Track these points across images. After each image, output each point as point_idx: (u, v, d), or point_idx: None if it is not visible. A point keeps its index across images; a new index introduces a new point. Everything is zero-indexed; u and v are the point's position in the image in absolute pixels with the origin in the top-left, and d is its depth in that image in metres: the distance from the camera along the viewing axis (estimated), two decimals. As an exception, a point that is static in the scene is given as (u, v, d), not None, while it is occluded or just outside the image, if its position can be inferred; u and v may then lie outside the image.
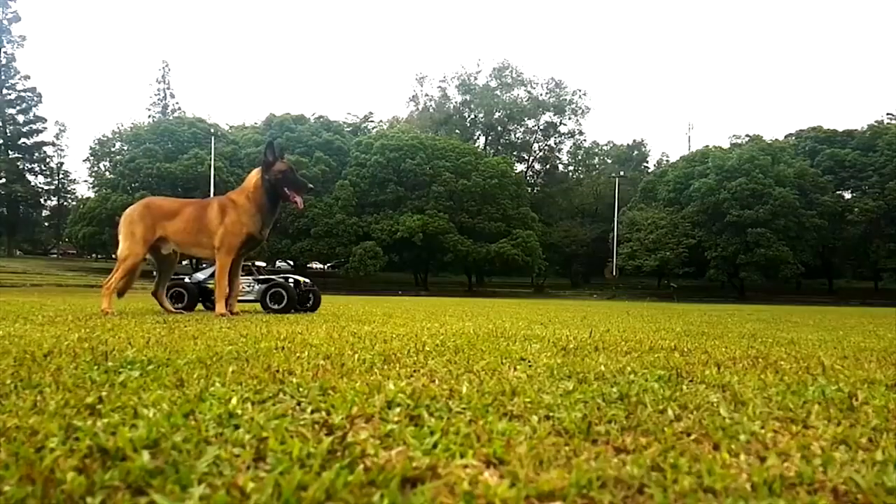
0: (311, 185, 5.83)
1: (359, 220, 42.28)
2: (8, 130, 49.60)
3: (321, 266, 48.12)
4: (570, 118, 60.28)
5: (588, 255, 50.63)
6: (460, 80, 60.11)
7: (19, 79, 49.86)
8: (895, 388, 1.95)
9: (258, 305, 6.47)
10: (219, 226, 5.50)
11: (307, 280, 6.53)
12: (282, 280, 6.28)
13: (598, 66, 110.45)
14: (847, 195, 44.54)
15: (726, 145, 49.14)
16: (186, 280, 6.46)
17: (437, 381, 1.81)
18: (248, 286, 6.27)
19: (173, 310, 5.79)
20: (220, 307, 5.39)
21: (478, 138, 61.47)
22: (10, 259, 42.12)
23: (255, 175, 5.65)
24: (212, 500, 0.85)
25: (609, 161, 62.98)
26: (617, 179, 49.39)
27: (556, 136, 61.26)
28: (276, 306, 6.03)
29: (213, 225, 5.53)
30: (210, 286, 6.10)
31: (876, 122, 46.32)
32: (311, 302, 6.52)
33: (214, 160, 38.00)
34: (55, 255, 57.38)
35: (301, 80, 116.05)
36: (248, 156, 43.25)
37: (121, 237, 5.66)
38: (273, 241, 41.75)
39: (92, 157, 50.84)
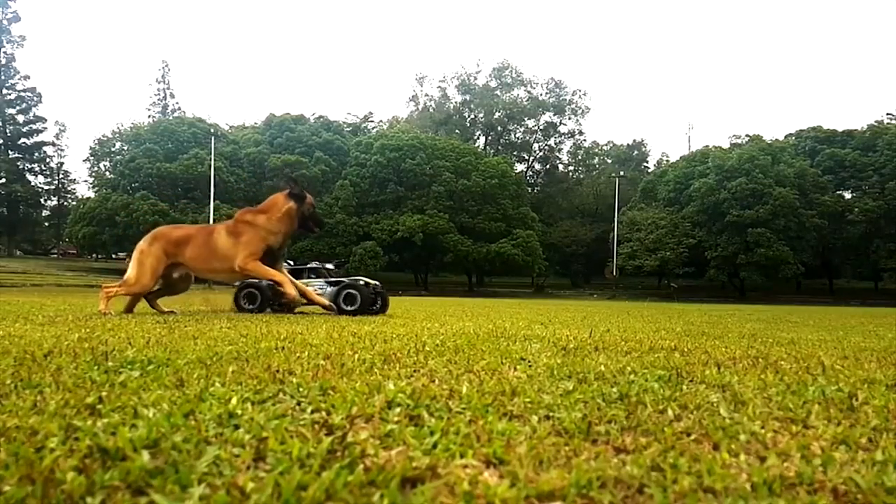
0: (321, 224, 6.32)
1: (359, 220, 42.28)
2: (8, 130, 49.61)
3: (319, 265, 48.06)
4: (570, 118, 60.36)
5: (588, 255, 50.64)
6: (460, 80, 60.16)
7: (19, 79, 49.90)
8: (895, 388, 1.95)
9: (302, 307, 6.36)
10: (232, 248, 5.58)
11: (376, 283, 6.40)
12: (354, 282, 6.21)
13: (598, 66, 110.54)
14: (847, 195, 44.54)
15: (726, 145, 49.18)
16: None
17: (437, 381, 1.81)
18: (320, 288, 6.17)
19: (164, 311, 5.76)
20: (290, 290, 5.48)
21: (478, 138, 61.49)
22: (10, 259, 42.12)
23: (282, 201, 5.80)
24: (212, 500, 0.85)
25: (609, 161, 62.98)
26: (617, 179, 49.39)
27: (556, 136, 61.32)
28: (349, 308, 5.97)
29: (224, 249, 5.61)
30: (280, 288, 6.11)
31: (876, 122, 46.34)
32: (378, 304, 6.40)
33: (214, 160, 38.01)
34: (55, 255, 57.38)
35: (301, 80, 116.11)
36: (248, 156, 43.29)
37: (132, 262, 5.76)
38: (273, 241, 41.65)
39: (92, 157, 50.88)
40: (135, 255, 5.78)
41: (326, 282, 6.28)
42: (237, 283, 6.21)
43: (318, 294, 5.98)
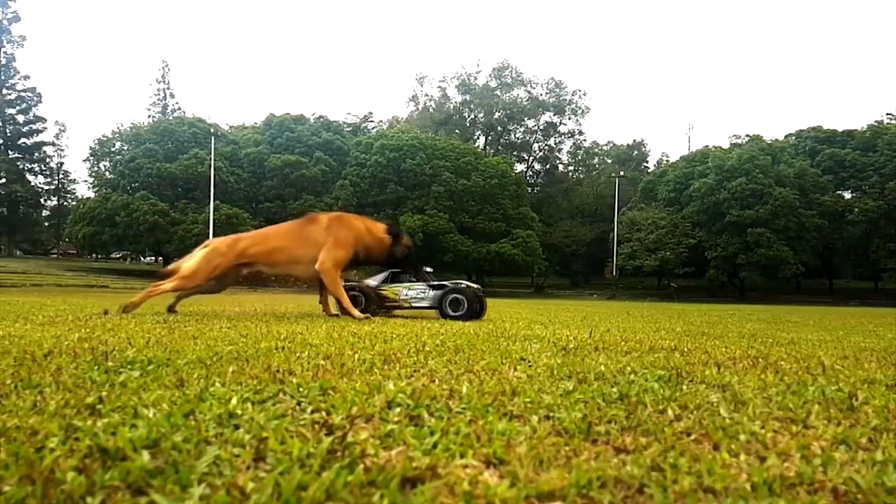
0: (416, 269, 6.32)
1: (359, 221, 42.22)
2: (8, 130, 49.60)
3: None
4: (570, 118, 60.32)
5: (588, 255, 50.62)
6: (460, 80, 60.12)
7: (19, 79, 49.88)
8: (895, 388, 1.95)
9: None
10: (323, 241, 5.61)
11: (477, 286, 6.23)
12: (459, 285, 6.07)
13: (598, 66, 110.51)
14: (847, 195, 44.53)
15: (726, 145, 49.15)
16: (370, 282, 6.27)
17: (437, 381, 1.81)
18: (422, 292, 6.07)
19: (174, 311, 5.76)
20: (356, 314, 5.49)
21: (478, 138, 61.47)
22: (10, 259, 42.10)
23: (382, 232, 5.87)
24: (212, 500, 0.85)
25: (609, 161, 62.95)
26: (617, 179, 49.36)
27: (556, 136, 61.29)
28: (455, 312, 5.85)
29: (316, 238, 5.64)
30: (383, 291, 6.08)
31: (876, 122, 46.32)
32: (478, 307, 6.21)
33: (214, 160, 37.99)
34: (55, 255, 57.38)
35: (301, 80, 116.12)
36: (248, 156, 43.27)
37: (196, 257, 5.68)
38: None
39: (92, 157, 50.84)
40: (205, 253, 5.70)
41: (428, 285, 6.13)
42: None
43: (420, 298, 5.99)
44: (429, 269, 6.46)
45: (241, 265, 5.75)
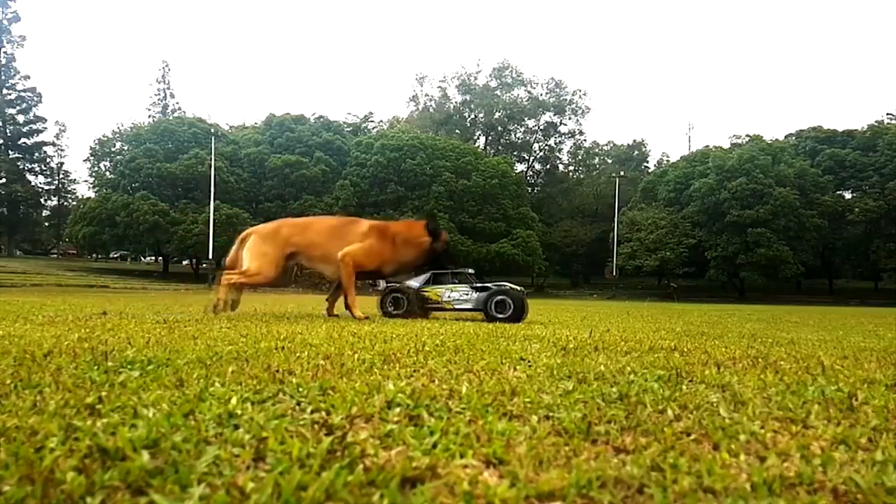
0: (456, 262, 6.29)
1: (359, 221, 42.23)
2: (8, 130, 49.61)
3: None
4: (570, 118, 60.29)
5: (588, 255, 50.62)
6: (460, 80, 60.11)
7: (19, 79, 49.90)
8: (895, 388, 1.95)
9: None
10: (357, 241, 5.61)
11: (521, 288, 6.11)
12: (503, 287, 5.97)
13: (598, 66, 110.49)
14: (847, 195, 44.53)
15: (726, 145, 49.14)
16: (412, 283, 6.14)
17: (437, 381, 1.81)
18: (465, 294, 5.97)
19: (226, 309, 5.64)
20: (357, 312, 5.49)
21: (478, 138, 61.47)
22: (10, 259, 42.11)
23: (420, 230, 5.85)
24: (212, 500, 0.85)
25: (609, 161, 62.94)
26: (617, 179, 49.35)
27: (557, 136, 61.26)
28: (501, 315, 5.73)
29: (355, 240, 5.64)
30: (425, 293, 5.99)
31: (876, 122, 46.30)
32: (522, 309, 6.07)
33: (214, 160, 37.99)
34: (55, 255, 57.39)
35: (301, 80, 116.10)
36: (248, 156, 43.27)
37: (249, 255, 5.65)
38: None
39: (92, 157, 50.82)
40: (254, 246, 5.68)
41: (472, 287, 6.02)
42: (380, 287, 6.06)
43: (463, 300, 5.91)
44: (470, 271, 6.34)
45: (291, 254, 5.73)
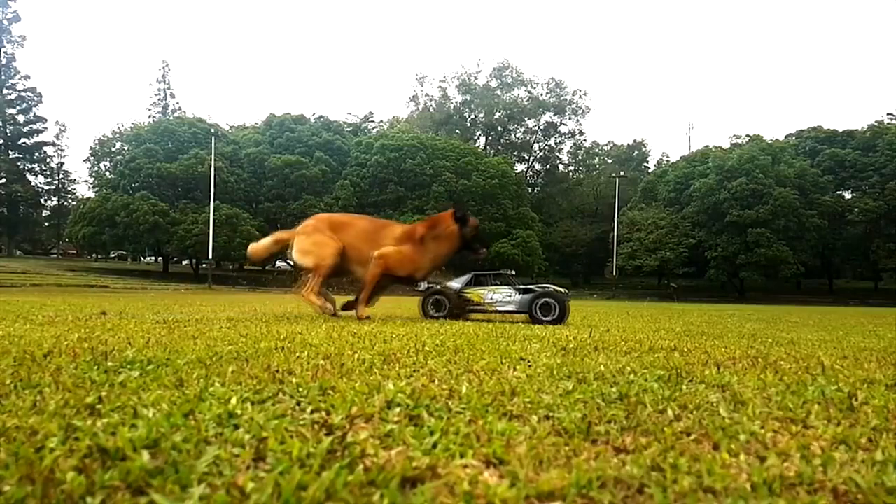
0: (488, 245, 6.17)
1: (359, 221, 42.24)
2: (8, 130, 49.61)
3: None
4: (570, 118, 60.31)
5: (588, 255, 50.63)
6: (460, 80, 60.13)
7: (19, 79, 49.89)
8: (895, 388, 1.95)
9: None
10: (391, 245, 5.59)
11: (564, 290, 6.03)
12: (547, 289, 5.87)
13: (598, 66, 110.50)
14: (847, 195, 44.54)
15: (726, 145, 49.16)
16: (453, 285, 6.07)
17: (436, 381, 1.80)
18: (508, 296, 5.88)
19: (330, 310, 5.64)
20: (363, 311, 5.50)
21: (478, 138, 61.48)
22: (10, 259, 42.11)
23: (447, 221, 5.73)
24: (212, 500, 0.85)
25: (609, 161, 62.96)
26: (617, 179, 49.34)
27: (557, 136, 61.27)
28: (546, 317, 5.62)
29: (386, 244, 5.61)
30: (466, 294, 5.93)
31: (876, 122, 46.31)
32: (565, 311, 5.96)
33: (214, 160, 37.99)
34: (55, 255, 57.39)
35: (301, 80, 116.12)
36: (249, 156, 43.28)
37: (305, 253, 5.65)
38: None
39: (92, 157, 50.85)
40: (304, 243, 5.68)
41: (514, 289, 5.91)
42: (422, 289, 5.97)
43: (506, 302, 5.83)
44: (512, 272, 6.27)
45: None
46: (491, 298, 5.87)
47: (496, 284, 6.01)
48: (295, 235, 5.82)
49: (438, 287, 5.93)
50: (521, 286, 5.92)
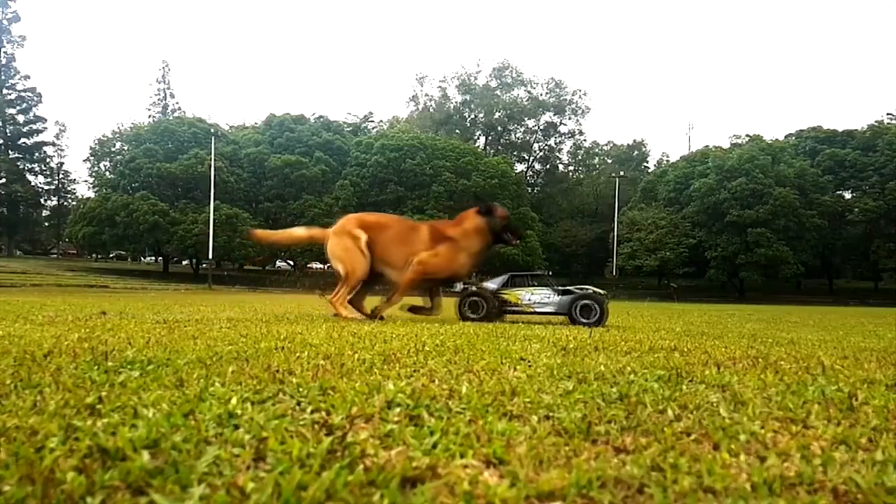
0: (521, 236, 6.07)
1: (359, 221, 42.28)
2: (8, 130, 49.62)
3: (321, 266, 48.17)
4: (570, 118, 60.31)
5: (588, 255, 50.64)
6: (460, 80, 60.12)
7: (19, 79, 49.91)
8: (895, 388, 1.95)
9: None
10: (425, 249, 5.48)
11: (603, 291, 5.89)
12: (587, 291, 5.74)
13: (598, 66, 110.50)
14: (847, 195, 44.54)
15: (726, 145, 49.17)
16: (489, 285, 5.94)
17: (437, 381, 1.80)
18: (547, 297, 5.74)
19: (363, 316, 5.54)
20: (386, 308, 5.47)
21: (478, 138, 61.48)
22: (10, 259, 42.12)
23: (474, 218, 5.66)
24: (212, 500, 0.85)
25: (609, 161, 62.97)
26: (617, 179, 49.33)
27: (557, 136, 61.28)
28: (587, 320, 5.48)
29: (418, 246, 5.51)
30: (504, 295, 5.82)
31: (876, 122, 46.31)
32: (605, 313, 5.86)
33: (214, 160, 37.99)
34: (55, 255, 57.40)
35: (301, 80, 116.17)
36: (248, 156, 43.28)
37: (336, 259, 5.56)
38: (273, 241, 41.66)
39: (92, 157, 50.84)
40: (336, 248, 5.58)
41: (553, 290, 5.78)
42: (457, 290, 5.89)
43: (544, 303, 5.69)
44: (549, 273, 6.18)
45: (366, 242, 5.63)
46: (529, 299, 5.74)
47: (533, 285, 5.89)
48: (329, 235, 5.72)
49: (475, 288, 5.82)
50: (560, 287, 5.81)
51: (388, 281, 5.78)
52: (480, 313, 5.67)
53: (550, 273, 6.28)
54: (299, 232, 6.12)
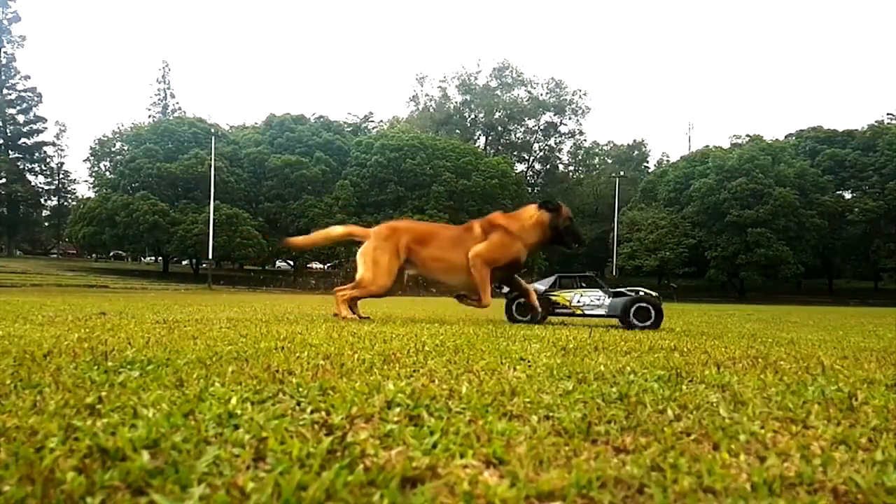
0: (581, 240, 5.92)
1: (359, 221, 42.22)
2: (8, 130, 49.65)
3: (321, 266, 48.19)
4: (570, 118, 60.40)
5: (588, 255, 50.62)
6: (460, 80, 60.18)
7: (19, 79, 49.96)
8: (895, 388, 1.95)
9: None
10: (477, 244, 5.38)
11: (655, 293, 5.66)
12: (640, 293, 5.55)
13: (598, 66, 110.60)
14: (847, 195, 44.58)
15: (726, 145, 49.23)
16: (538, 287, 5.79)
17: (436, 381, 1.80)
18: (598, 299, 5.57)
19: (356, 317, 5.40)
20: (486, 299, 5.38)
21: (478, 138, 61.52)
22: (10, 259, 42.12)
23: (535, 212, 5.54)
24: (212, 500, 0.85)
25: (609, 161, 63.04)
26: (617, 179, 49.38)
27: (557, 136, 61.36)
28: (642, 323, 5.27)
29: (472, 244, 5.39)
30: (552, 297, 5.69)
31: (876, 122, 46.37)
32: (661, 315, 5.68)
33: (214, 160, 38.01)
34: (55, 255, 57.42)
35: (301, 80, 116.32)
36: (248, 156, 43.29)
37: (365, 260, 5.45)
38: (273, 241, 41.76)
39: (92, 157, 50.86)
40: (368, 253, 5.46)
41: (605, 292, 5.61)
42: (505, 291, 5.76)
43: (595, 305, 5.53)
44: (595, 274, 6.03)
45: (406, 260, 5.52)
46: (579, 301, 5.59)
47: (582, 286, 5.74)
48: (370, 235, 5.60)
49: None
50: (613, 289, 5.64)
51: (452, 288, 5.71)
52: (528, 316, 5.55)
53: (597, 274, 6.11)
54: (337, 231, 5.95)
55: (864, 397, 1.73)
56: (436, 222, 6.37)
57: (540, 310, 5.45)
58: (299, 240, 6.30)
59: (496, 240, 5.39)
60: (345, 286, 5.57)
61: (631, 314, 5.33)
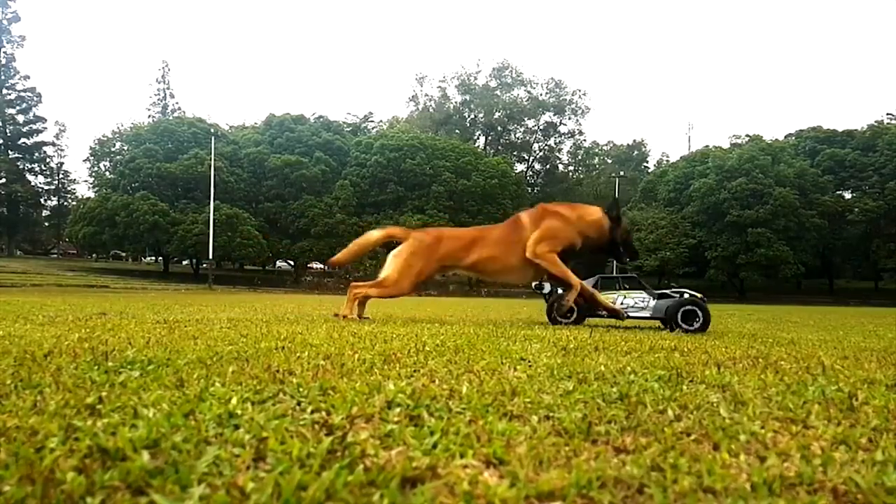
0: (635, 255, 5.77)
1: (359, 221, 42.32)
2: (8, 130, 49.64)
3: (321, 266, 48.20)
4: (570, 118, 60.43)
5: (588, 255, 50.66)
6: (460, 80, 60.20)
7: (19, 79, 49.95)
8: (895, 388, 1.95)
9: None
10: (531, 235, 5.28)
11: (701, 295, 5.49)
12: (685, 295, 5.42)
13: (598, 66, 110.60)
14: (847, 195, 44.59)
15: (726, 145, 49.24)
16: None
17: (437, 381, 1.80)
18: (642, 301, 5.45)
19: (359, 317, 5.35)
20: (573, 280, 5.30)
21: (478, 138, 61.53)
22: (10, 259, 42.12)
23: (599, 213, 5.44)
24: (212, 500, 0.85)
25: (609, 161, 63.08)
26: (617, 179, 49.38)
27: (556, 136, 61.39)
28: (689, 326, 5.10)
29: (525, 237, 5.30)
30: (564, 297, 5.53)
31: (876, 122, 46.38)
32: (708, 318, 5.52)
33: (214, 160, 38.00)
34: (55, 255, 57.42)
35: (301, 80, 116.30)
36: (248, 156, 43.30)
37: (396, 262, 5.35)
38: (273, 241, 41.76)
39: (92, 157, 50.87)
40: (403, 255, 5.36)
41: (649, 294, 5.49)
42: (545, 291, 5.68)
43: (639, 307, 5.43)
44: (634, 275, 5.93)
45: (443, 267, 5.49)
46: (623, 303, 5.48)
47: (624, 288, 5.63)
48: (410, 237, 5.51)
49: (562, 293, 5.53)
50: (659, 291, 5.53)
51: (514, 284, 5.64)
52: (572, 317, 5.47)
53: (636, 275, 6.02)
54: (375, 235, 5.78)
55: (865, 397, 1.73)
56: (476, 226, 6.42)
57: (617, 308, 5.32)
58: (341, 256, 6.11)
59: (551, 224, 5.29)
60: (362, 283, 5.50)
61: (678, 317, 5.16)
